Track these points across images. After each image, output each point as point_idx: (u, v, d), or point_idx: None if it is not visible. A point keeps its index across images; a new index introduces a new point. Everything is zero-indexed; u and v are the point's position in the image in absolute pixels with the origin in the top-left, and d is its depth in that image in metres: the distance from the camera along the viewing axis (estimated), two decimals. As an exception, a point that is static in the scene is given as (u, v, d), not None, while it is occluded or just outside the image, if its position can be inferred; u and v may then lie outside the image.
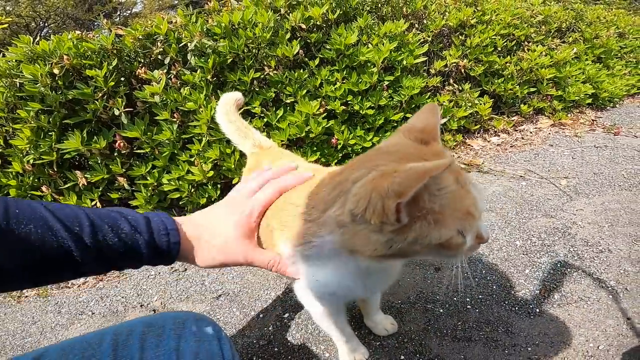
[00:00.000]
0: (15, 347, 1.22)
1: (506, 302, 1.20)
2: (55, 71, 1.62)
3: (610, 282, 1.26)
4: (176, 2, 16.34)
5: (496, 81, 2.69)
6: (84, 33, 1.82)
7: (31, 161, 1.61)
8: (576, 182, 1.94)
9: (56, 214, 0.51)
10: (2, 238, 0.47)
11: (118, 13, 15.77)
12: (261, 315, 1.24)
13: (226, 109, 1.13)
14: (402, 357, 1.03)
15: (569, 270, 1.34)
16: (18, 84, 1.64)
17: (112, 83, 1.65)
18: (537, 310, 1.17)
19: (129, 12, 16.47)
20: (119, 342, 0.57)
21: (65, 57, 1.62)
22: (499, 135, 2.58)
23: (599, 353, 1.01)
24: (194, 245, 0.64)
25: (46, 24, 13.81)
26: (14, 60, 1.66)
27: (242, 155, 1.85)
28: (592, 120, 2.93)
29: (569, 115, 2.97)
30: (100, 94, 1.65)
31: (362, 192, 0.48)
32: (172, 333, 0.64)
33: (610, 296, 1.20)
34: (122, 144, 1.68)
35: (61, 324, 1.30)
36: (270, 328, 1.18)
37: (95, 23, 15.54)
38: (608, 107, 3.29)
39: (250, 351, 1.10)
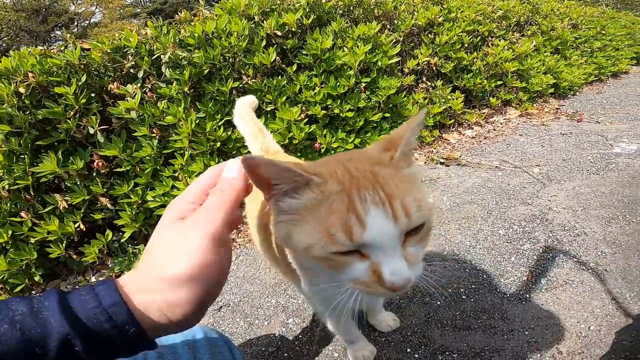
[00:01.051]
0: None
1: (498, 290, 1.26)
2: (22, 90, 1.53)
3: (590, 264, 1.34)
4: (138, 10, 15.83)
5: (465, 76, 2.81)
6: (46, 47, 1.74)
7: (6, 187, 1.52)
8: (547, 169, 2.06)
9: None
10: None
11: (76, 24, 15.08)
12: (265, 323, 1.23)
13: (241, 112, 1.17)
14: (409, 350, 1.06)
15: (550, 255, 1.41)
16: None
17: (84, 100, 1.58)
18: (527, 296, 1.23)
19: (87, 22, 15.78)
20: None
21: (30, 74, 1.54)
22: (472, 128, 2.69)
23: (591, 333, 1.07)
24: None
25: (-2, 38, 13.00)
26: (-29, 81, 1.55)
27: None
28: (556, 108, 3.11)
29: (535, 105, 3.14)
30: (72, 112, 1.58)
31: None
32: (185, 349, 0.64)
33: (592, 278, 1.28)
34: (100, 164, 1.62)
35: None
36: (276, 334, 1.18)
37: (52, 35, 14.78)
38: (569, 96, 3.50)
39: (260, 358, 1.09)
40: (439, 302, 1.22)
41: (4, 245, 1.54)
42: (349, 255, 0.47)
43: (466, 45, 2.86)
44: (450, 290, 1.27)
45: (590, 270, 1.31)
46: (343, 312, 0.87)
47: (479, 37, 3.01)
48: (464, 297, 1.24)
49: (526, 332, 1.09)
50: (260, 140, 1.10)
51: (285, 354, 1.11)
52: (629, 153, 2.14)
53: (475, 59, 2.86)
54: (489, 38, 3.10)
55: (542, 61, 3.33)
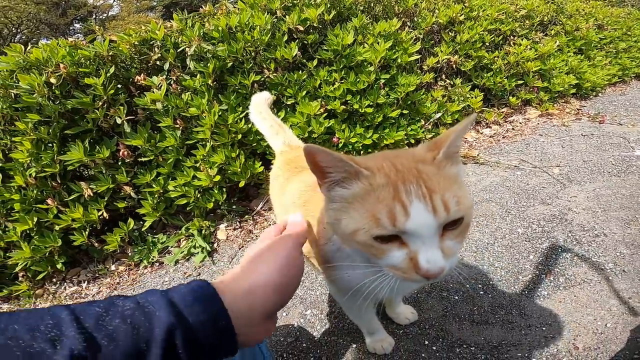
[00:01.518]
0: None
1: (516, 287, 1.27)
2: (53, 80, 1.58)
3: (608, 264, 1.34)
4: (154, 3, 16.01)
5: (485, 75, 2.78)
6: (76, 39, 1.79)
7: (33, 174, 1.57)
8: (567, 170, 2.03)
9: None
10: None
11: (94, 17, 15.35)
12: (284, 314, 1.26)
13: (259, 109, 1.20)
14: (426, 342, 1.08)
15: (569, 254, 1.41)
16: (13, 95, 1.60)
17: (112, 91, 1.63)
18: (545, 293, 1.23)
19: (105, 15, 16.05)
20: None
21: (61, 65, 1.59)
22: (490, 127, 2.66)
23: (607, 330, 1.08)
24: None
25: (19, 30, 13.33)
26: (5, 70, 1.61)
27: (248, 157, 1.87)
28: (577, 109, 3.05)
29: (555, 105, 3.09)
30: (100, 103, 1.63)
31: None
32: None
33: (610, 277, 1.27)
34: (125, 153, 1.67)
35: None
36: (295, 325, 1.21)
37: (71, 28, 15.09)
38: (591, 97, 3.43)
39: (279, 349, 1.12)
40: (456, 297, 1.23)
41: (28, 232, 1.59)
42: (390, 242, 0.51)
43: (487, 44, 2.83)
44: (468, 286, 1.28)
45: (608, 270, 1.31)
46: (367, 301, 0.90)
47: (501, 36, 2.97)
48: (481, 292, 1.24)
49: (543, 328, 1.10)
50: (281, 135, 1.15)
51: (304, 344, 1.14)
52: (651, 156, 2.10)
53: (496, 58, 2.83)
54: (511, 37, 3.05)
55: (565, 61, 3.26)
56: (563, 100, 3.22)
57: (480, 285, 1.27)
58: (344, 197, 0.53)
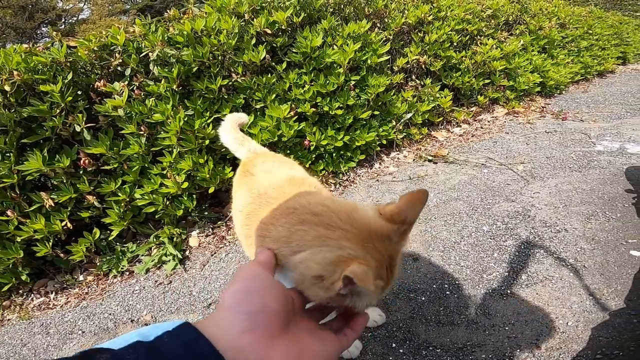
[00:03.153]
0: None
1: (480, 286, 1.30)
2: (7, 88, 1.51)
3: (569, 260, 1.38)
4: (128, 6, 15.56)
5: (454, 75, 2.84)
6: (31, 45, 1.72)
7: None
8: (531, 166, 2.11)
9: None
10: None
11: (63, 20, 14.77)
12: None
13: (230, 126, 1.28)
14: (394, 345, 1.09)
15: (532, 251, 1.45)
16: None
17: (70, 98, 1.57)
18: (509, 291, 1.26)
19: (75, 19, 15.47)
20: None
21: (15, 72, 1.52)
22: (460, 126, 2.73)
23: (568, 329, 1.11)
24: None
25: (-19, 34, 12.69)
26: (-46, 79, 1.53)
27: (218, 163, 1.84)
28: (542, 107, 3.17)
29: (521, 103, 3.20)
30: (57, 110, 1.57)
31: (329, 268, 0.50)
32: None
33: (571, 274, 1.32)
34: (87, 161, 1.61)
35: (53, 345, 1.27)
36: None
37: (38, 32, 14.46)
38: (555, 94, 3.57)
39: None
40: (423, 298, 1.25)
41: None
42: None
43: (455, 43, 2.89)
44: (434, 286, 1.30)
45: (569, 267, 1.35)
46: None
47: (468, 36, 3.04)
48: (447, 292, 1.27)
49: (507, 328, 1.13)
50: (246, 145, 1.20)
51: None
52: (610, 151, 2.20)
53: (464, 58, 2.90)
54: (478, 37, 3.14)
55: (530, 60, 3.38)
56: (528, 99, 3.34)
57: (446, 285, 1.30)
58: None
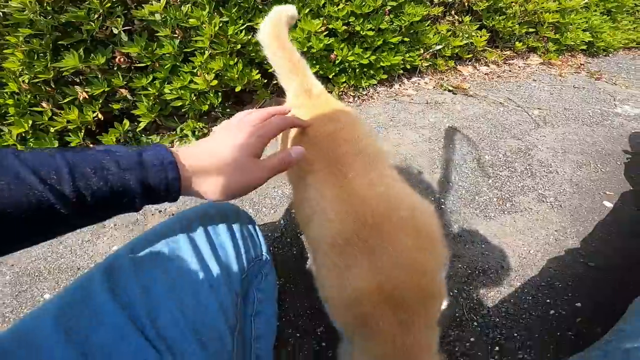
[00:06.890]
0: (52, 269, 1.22)
1: (471, 206, 1.46)
2: (45, -3, 1.51)
3: (550, 198, 1.51)
4: None
5: (497, 18, 2.73)
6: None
7: (27, 81, 1.58)
8: (547, 113, 2.15)
9: (28, 164, 0.42)
10: None
11: None
12: (272, 211, 1.42)
13: (278, 30, 0.86)
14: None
15: (521, 184, 1.59)
16: (2, 13, 1.53)
17: (108, 4, 1.60)
18: (492, 214, 1.42)
19: None
20: (191, 226, 0.69)
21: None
22: (488, 66, 2.72)
23: (529, 256, 1.25)
24: (199, 177, 0.55)
25: None
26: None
27: (246, 66, 1.95)
28: (581, 64, 3.05)
29: (560, 57, 3.08)
30: (95, 16, 1.60)
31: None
32: (220, 219, 0.77)
33: (547, 210, 1.45)
34: (122, 60, 1.69)
35: (87, 240, 1.32)
36: (281, 222, 1.36)
37: None
38: (600, 55, 3.38)
39: (266, 243, 1.31)
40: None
41: (23, 135, 1.63)
42: None
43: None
44: (432, 199, 1.47)
45: (548, 203, 1.48)
46: None
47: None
48: (442, 206, 1.45)
49: (483, 245, 1.27)
50: (300, 77, 0.87)
51: (288, 239, 1.29)
52: (628, 115, 2.20)
53: (513, 3, 2.74)
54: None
55: (587, 19, 3.15)
56: (570, 54, 3.19)
57: (442, 200, 1.48)
58: None
